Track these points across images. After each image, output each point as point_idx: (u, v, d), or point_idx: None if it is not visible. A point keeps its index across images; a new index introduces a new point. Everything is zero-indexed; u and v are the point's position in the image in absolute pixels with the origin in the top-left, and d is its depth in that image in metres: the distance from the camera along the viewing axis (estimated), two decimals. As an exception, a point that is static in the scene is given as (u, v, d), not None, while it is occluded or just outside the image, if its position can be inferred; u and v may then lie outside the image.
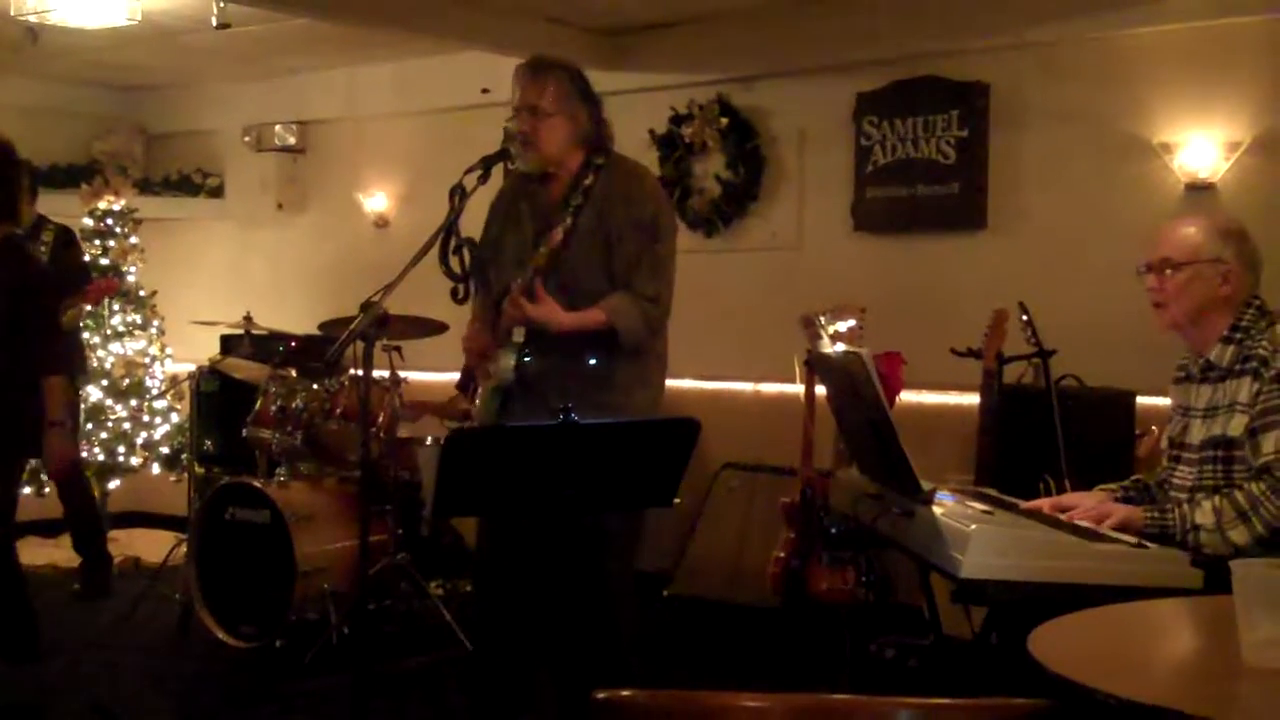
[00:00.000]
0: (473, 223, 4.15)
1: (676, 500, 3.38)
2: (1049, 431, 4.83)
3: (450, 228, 4.07)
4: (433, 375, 6.20)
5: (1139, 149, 5.55)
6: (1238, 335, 3.11)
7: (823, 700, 1.87)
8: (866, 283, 6.02)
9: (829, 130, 6.36)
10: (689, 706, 1.91)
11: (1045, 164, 5.82)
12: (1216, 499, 2.97)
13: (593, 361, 3.69)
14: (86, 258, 7.07)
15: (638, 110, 6.55)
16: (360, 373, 5.60)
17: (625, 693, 1.95)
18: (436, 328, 5.58)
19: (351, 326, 3.78)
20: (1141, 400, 5.09)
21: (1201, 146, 5.39)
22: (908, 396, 5.51)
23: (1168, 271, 3.16)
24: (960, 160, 5.95)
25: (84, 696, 4.68)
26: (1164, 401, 3.53)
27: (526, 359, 3.83)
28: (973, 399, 5.12)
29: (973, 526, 2.74)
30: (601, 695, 1.96)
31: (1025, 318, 4.90)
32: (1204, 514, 2.96)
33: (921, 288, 6.06)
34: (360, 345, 3.81)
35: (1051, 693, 1.92)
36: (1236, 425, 3.03)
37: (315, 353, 6.07)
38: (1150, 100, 5.54)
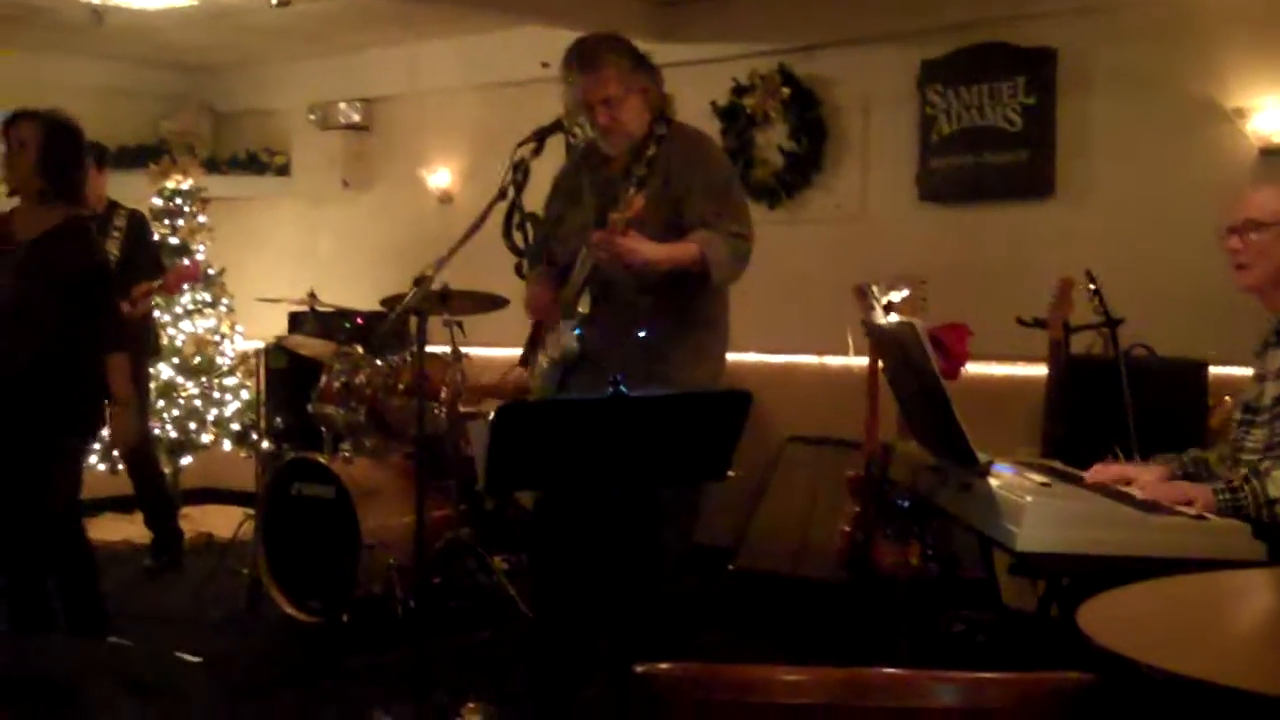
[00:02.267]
0: (534, 198, 4.15)
1: (731, 473, 3.35)
2: (1118, 402, 4.73)
3: (513, 203, 4.08)
4: (495, 350, 6.19)
5: (1211, 113, 5.41)
6: None
7: (860, 674, 1.83)
8: (931, 253, 5.95)
9: (893, 99, 6.27)
10: (726, 679, 1.88)
11: (1114, 130, 5.70)
12: None
13: (642, 334, 3.67)
14: (155, 238, 7.16)
15: (699, 82, 6.50)
16: (428, 349, 5.68)
17: (663, 666, 1.93)
18: (498, 303, 5.58)
19: (404, 301, 3.79)
20: (1214, 370, 4.97)
21: (1276, 110, 5.24)
22: (974, 368, 5.40)
23: (1252, 234, 3.12)
24: (1027, 127, 5.84)
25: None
26: (1237, 371, 3.46)
27: (581, 333, 3.82)
28: (1041, 370, 5.03)
29: (1028, 498, 2.69)
30: (640, 669, 1.94)
31: (1093, 286, 4.80)
32: (1277, 486, 2.87)
33: (988, 257, 5.97)
34: (426, 320, 3.83)
35: (1100, 667, 1.88)
36: None
37: (382, 330, 6.13)
38: (1222, 63, 5.40)
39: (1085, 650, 1.98)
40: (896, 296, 3.63)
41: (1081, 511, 2.72)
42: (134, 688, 1.78)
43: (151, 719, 1.73)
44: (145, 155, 7.97)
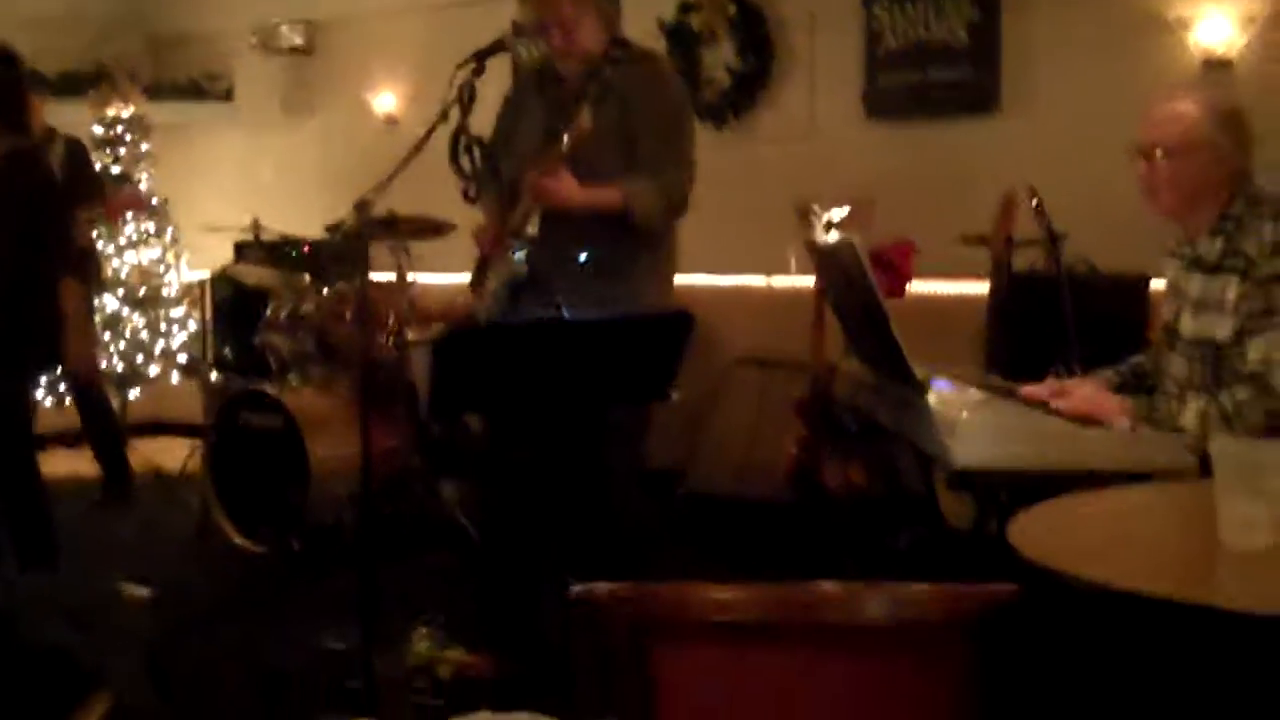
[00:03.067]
0: (482, 121, 4.11)
1: (675, 395, 3.36)
2: (1060, 318, 4.76)
3: (459, 126, 4.05)
4: (443, 276, 6.16)
5: (1154, 24, 5.40)
6: (1228, 226, 2.96)
7: (792, 590, 1.86)
8: (879, 171, 5.94)
9: (839, 15, 6.22)
10: (660, 598, 1.90)
11: (1058, 43, 5.68)
12: (1202, 402, 2.85)
13: (582, 257, 3.66)
14: (98, 166, 7.06)
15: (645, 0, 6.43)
16: (374, 276, 5.64)
17: (599, 586, 1.94)
18: (445, 228, 5.54)
19: (344, 227, 3.76)
20: (1155, 283, 5.00)
21: (1217, 20, 5.24)
22: (920, 286, 5.43)
23: (1158, 155, 3.00)
24: (972, 42, 5.81)
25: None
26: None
27: (529, 255, 3.81)
28: (985, 287, 5.05)
29: (964, 414, 2.71)
30: (576, 589, 1.96)
31: (1034, 201, 4.80)
32: (1189, 418, 2.83)
33: (935, 174, 5.96)
34: (369, 246, 3.80)
35: (1029, 579, 1.90)
36: (1224, 328, 2.89)
37: (326, 256, 6.08)
38: (1164, -27, 5.39)
39: (1018, 564, 2.01)
40: (838, 215, 3.63)
41: (1016, 426, 2.75)
42: (71, 618, 1.78)
43: (88, 650, 1.73)
44: (85, 83, 7.83)
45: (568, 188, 3.69)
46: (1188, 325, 3.02)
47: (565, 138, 3.68)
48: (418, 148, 3.70)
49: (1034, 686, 2.24)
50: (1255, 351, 2.83)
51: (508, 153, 4.05)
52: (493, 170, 4.11)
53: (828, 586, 1.88)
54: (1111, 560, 1.94)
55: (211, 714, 3.68)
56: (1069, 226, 4.89)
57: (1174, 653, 1.96)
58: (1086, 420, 2.84)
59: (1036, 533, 2.02)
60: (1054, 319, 4.77)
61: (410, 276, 5.56)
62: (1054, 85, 5.70)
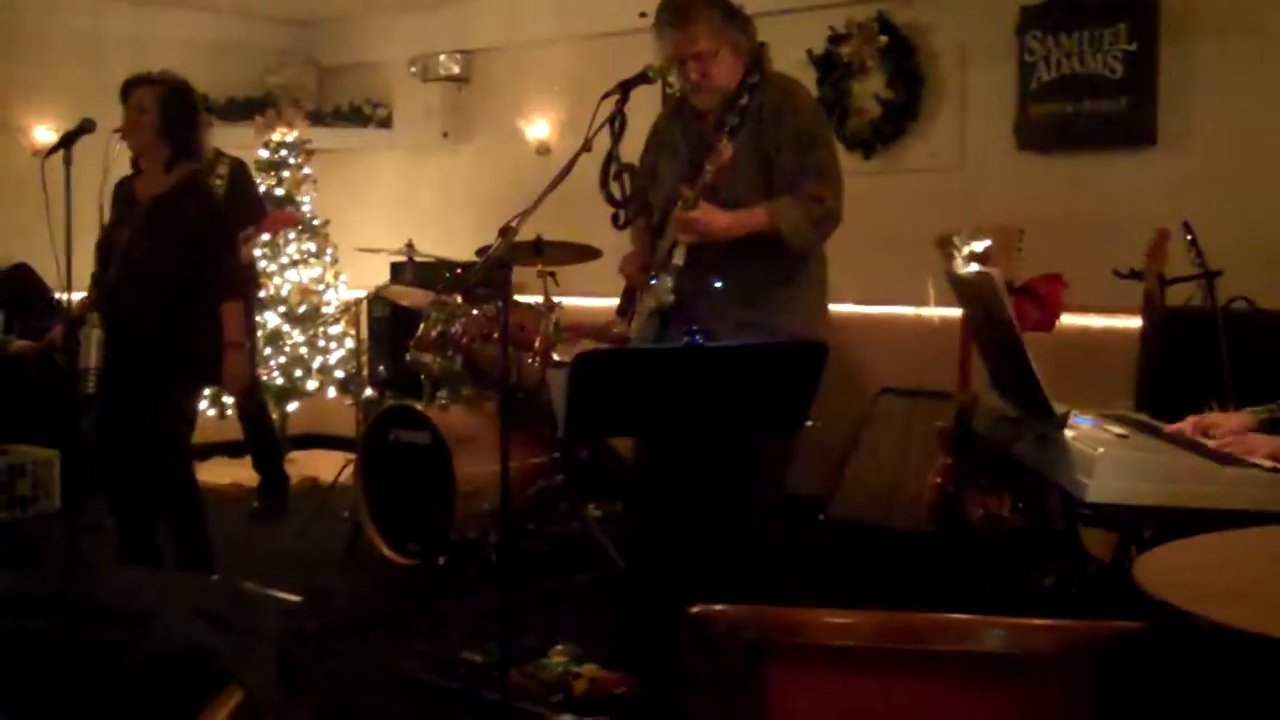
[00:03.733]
0: (632, 148, 4.18)
1: (809, 424, 3.38)
2: (1215, 355, 4.66)
3: (610, 154, 4.12)
4: (589, 300, 6.25)
5: (1318, 58, 5.28)
6: None
7: (909, 619, 1.87)
8: (1029, 203, 5.88)
9: (991, 46, 6.18)
10: (776, 621, 1.92)
11: (1216, 77, 5.57)
12: None
13: (718, 284, 3.69)
14: (262, 188, 7.33)
15: (795, 30, 6.47)
16: (521, 299, 5.75)
17: (717, 608, 1.98)
18: (591, 253, 5.63)
19: (490, 252, 3.85)
20: (1316, 322, 4.88)
21: (1387, 54, 5.10)
22: (1070, 319, 5.36)
23: None
24: (1128, 74, 5.73)
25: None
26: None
27: (674, 283, 3.86)
28: (1137, 323, 4.96)
29: (1100, 450, 2.68)
30: (695, 610, 2.00)
31: (1189, 237, 4.72)
32: None
33: (1087, 207, 5.88)
34: (519, 271, 3.88)
35: (1157, 617, 1.88)
36: None
37: (483, 279, 6.21)
38: (1331, 6, 5.26)
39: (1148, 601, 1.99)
40: (979, 246, 3.61)
41: (1153, 463, 2.70)
42: (207, 618, 1.86)
43: (223, 648, 1.81)
44: (252, 108, 8.13)
45: (713, 218, 3.74)
46: None
47: (707, 169, 3.72)
48: (562, 175, 3.77)
49: (1159, 726, 2.21)
50: None
51: (654, 183, 4.11)
52: (640, 199, 4.18)
53: (943, 616, 1.88)
54: (1238, 601, 1.91)
55: (345, 717, 3.79)
56: (1227, 263, 4.80)
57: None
58: (1229, 459, 2.78)
59: (1164, 570, 2.00)
60: (1209, 356, 4.68)
61: (557, 299, 5.65)
62: (1212, 119, 5.59)
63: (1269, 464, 2.75)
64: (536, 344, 5.54)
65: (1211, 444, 2.91)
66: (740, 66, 3.91)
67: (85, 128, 4.46)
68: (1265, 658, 1.77)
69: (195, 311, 4.52)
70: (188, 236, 4.51)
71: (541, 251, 5.47)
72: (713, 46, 3.84)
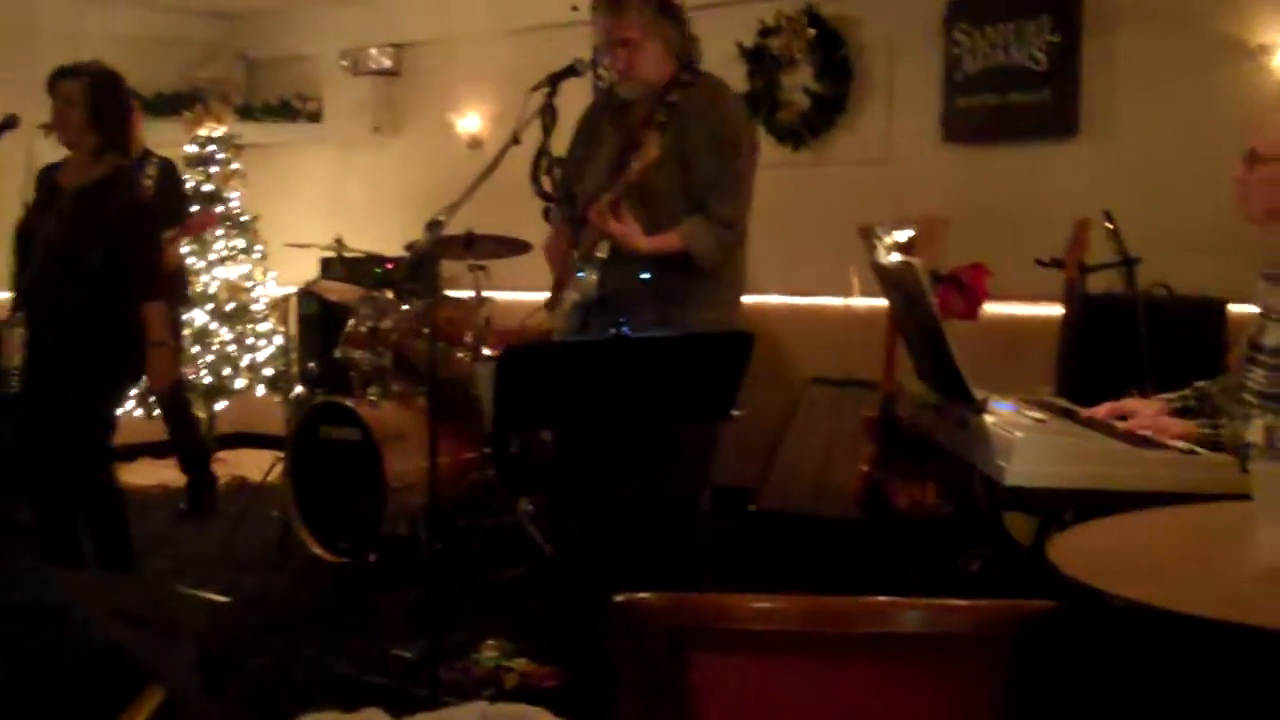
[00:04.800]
0: (563, 141, 4.18)
1: (736, 414, 3.40)
2: (1134, 341, 4.73)
3: (541, 147, 4.12)
4: (521, 294, 6.25)
5: (1236, 50, 5.36)
6: None
7: (829, 602, 1.89)
8: (955, 194, 5.95)
9: (918, 39, 6.24)
10: (697, 607, 1.94)
11: (1138, 68, 5.66)
12: (1269, 416, 2.85)
13: (645, 276, 3.70)
14: (191, 183, 7.27)
15: (725, 24, 6.48)
16: (452, 293, 5.74)
17: (639, 595, 1.99)
18: (522, 247, 5.63)
19: (417, 246, 3.84)
20: (1233, 308, 4.95)
21: (1301, 46, 5.20)
22: (994, 308, 5.42)
23: (1256, 165, 3.02)
24: (1052, 66, 5.80)
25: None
26: (1257, 310, 3.41)
27: (597, 276, 3.86)
28: (1060, 310, 5.03)
29: (1018, 434, 2.72)
30: (617, 599, 2.00)
31: (1110, 225, 4.79)
32: (1254, 431, 2.83)
33: (1012, 198, 5.95)
34: (449, 265, 3.86)
35: (1069, 597, 1.91)
36: None
37: (410, 274, 6.18)
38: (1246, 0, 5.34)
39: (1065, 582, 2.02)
40: (902, 236, 3.64)
41: (1070, 446, 2.75)
42: (125, 617, 1.85)
43: (142, 648, 1.80)
44: (180, 103, 8.04)
45: (633, 234, 3.74)
46: (1273, 336, 3.01)
47: (633, 166, 3.73)
48: (490, 168, 3.77)
49: (1076, 703, 2.24)
50: None
51: (580, 176, 4.10)
52: (567, 193, 4.17)
53: (863, 599, 1.90)
54: (1151, 579, 1.95)
55: (269, 715, 3.77)
56: (1147, 251, 4.87)
57: (1209, 672, 1.96)
58: (1144, 442, 2.83)
59: (1077, 550, 2.04)
60: (1128, 342, 4.75)
61: (488, 294, 5.64)
62: (1133, 111, 5.67)
63: (1183, 445, 2.80)
64: (467, 338, 5.53)
65: (1122, 426, 2.96)
66: (670, 62, 3.91)
67: (8, 124, 4.40)
68: (1175, 633, 1.81)
69: (117, 308, 4.46)
70: (112, 229, 4.44)
71: (472, 246, 5.46)
72: (641, 35, 3.83)
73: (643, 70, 3.88)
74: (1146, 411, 3.10)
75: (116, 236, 4.44)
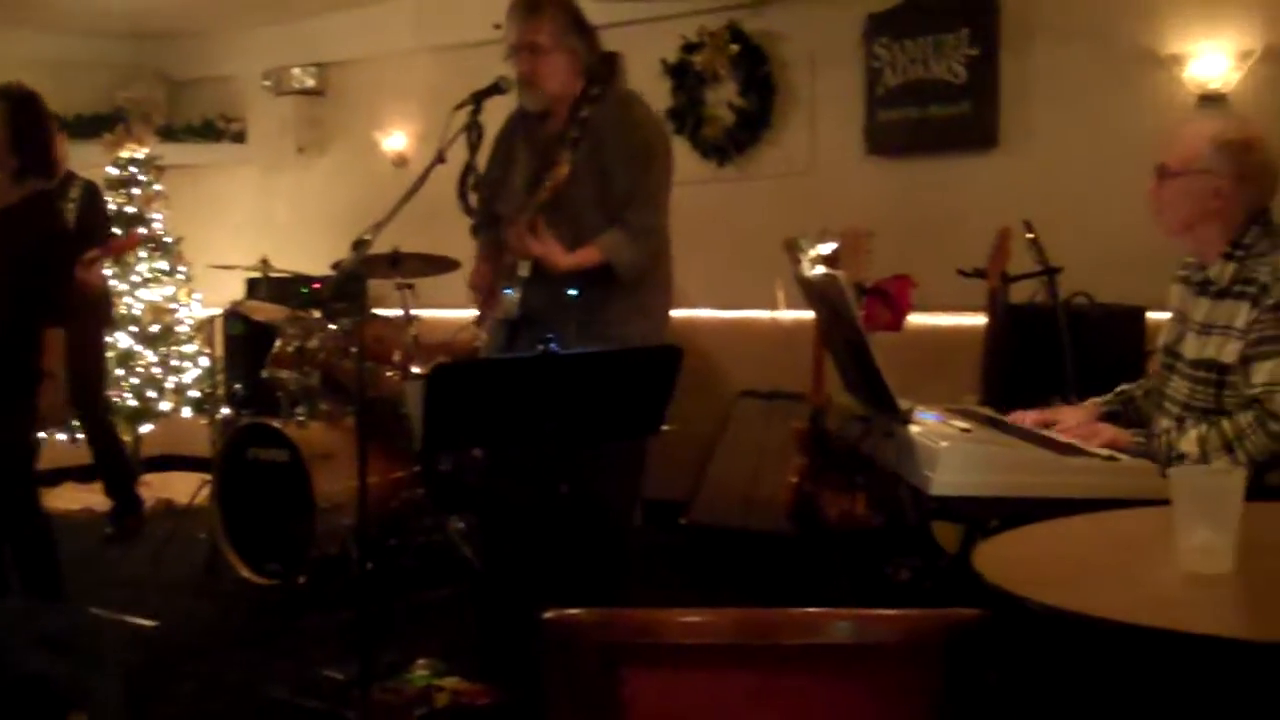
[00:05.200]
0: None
1: (666, 428, 3.41)
2: (1057, 349, 4.79)
3: (467, 165, 4.11)
4: (449, 312, 6.22)
5: (1150, 61, 5.46)
6: (1239, 253, 2.98)
7: (758, 615, 1.90)
8: (879, 206, 6.00)
9: (839, 53, 6.30)
10: (627, 622, 1.94)
11: (1055, 80, 5.75)
12: (1203, 427, 2.88)
13: (572, 293, 3.71)
14: (112, 206, 7.18)
15: (649, 40, 6.53)
16: (378, 311, 5.70)
17: (569, 611, 1.99)
18: (449, 264, 5.61)
19: (343, 265, 3.82)
20: (1152, 315, 5.04)
21: (1213, 57, 5.29)
22: (919, 319, 5.47)
23: (1166, 180, 3.06)
24: (971, 79, 5.88)
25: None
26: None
27: (520, 293, 3.86)
28: (983, 320, 5.09)
29: (943, 444, 2.75)
30: (549, 614, 2.01)
31: (1030, 235, 4.85)
32: (1189, 442, 2.86)
33: (934, 209, 6.02)
34: (376, 284, 3.84)
35: (995, 605, 1.94)
36: (1230, 352, 2.91)
37: (336, 293, 6.15)
38: (1160, 11, 5.45)
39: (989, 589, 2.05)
40: (825, 249, 3.67)
41: (995, 455, 2.79)
42: (49, 644, 1.83)
43: (65, 675, 1.78)
44: (100, 124, 7.95)
45: (552, 252, 3.75)
46: (1191, 347, 3.04)
47: (545, 185, 3.73)
48: (416, 186, 3.76)
49: (1004, 711, 2.27)
50: (1260, 375, 2.83)
51: (500, 194, 4.10)
52: (487, 211, 4.17)
53: (792, 610, 1.92)
54: (1074, 585, 1.98)
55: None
56: (1067, 260, 4.94)
57: (1131, 676, 1.99)
58: (1067, 449, 2.88)
59: (1001, 558, 2.06)
60: (1051, 351, 4.81)
61: (415, 312, 5.61)
62: (1051, 122, 5.76)
63: (1105, 452, 2.85)
64: (396, 357, 5.50)
65: (1057, 436, 3.00)
66: (575, 78, 3.91)
67: None
68: (1097, 639, 1.84)
69: (29, 333, 4.38)
70: (28, 255, 4.37)
71: (398, 264, 5.43)
72: (549, 43, 3.84)
73: (545, 80, 3.88)
74: (1074, 418, 3.15)
75: (32, 262, 4.37)
